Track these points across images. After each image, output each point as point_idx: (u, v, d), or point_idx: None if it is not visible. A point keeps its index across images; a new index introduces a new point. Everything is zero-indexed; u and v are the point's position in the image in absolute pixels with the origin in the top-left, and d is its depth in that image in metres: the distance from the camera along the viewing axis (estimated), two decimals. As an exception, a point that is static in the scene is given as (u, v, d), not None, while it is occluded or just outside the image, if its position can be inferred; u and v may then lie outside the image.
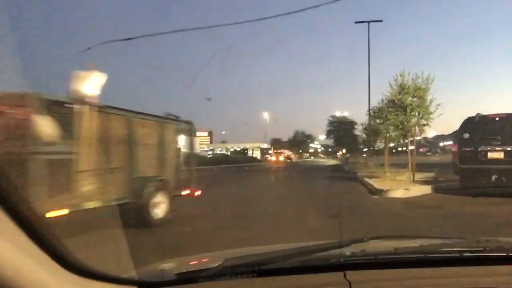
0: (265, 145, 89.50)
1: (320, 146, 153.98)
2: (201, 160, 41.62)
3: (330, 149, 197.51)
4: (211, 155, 51.06)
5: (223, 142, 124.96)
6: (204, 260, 1.66)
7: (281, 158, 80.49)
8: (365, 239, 1.56)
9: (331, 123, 57.10)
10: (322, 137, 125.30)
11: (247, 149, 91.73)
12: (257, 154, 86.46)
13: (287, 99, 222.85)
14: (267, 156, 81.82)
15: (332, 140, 57.96)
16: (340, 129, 54.42)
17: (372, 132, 24.99)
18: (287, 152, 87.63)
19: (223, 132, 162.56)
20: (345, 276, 1.19)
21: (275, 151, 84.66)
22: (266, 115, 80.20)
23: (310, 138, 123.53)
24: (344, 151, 58.40)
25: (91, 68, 5.57)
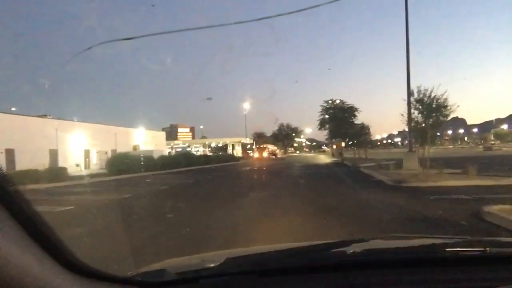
0: (247, 140, 75.90)
1: (305, 140, 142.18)
2: (149, 163, 28.57)
3: (314, 143, 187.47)
4: (174, 154, 37.59)
5: (203, 137, 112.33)
6: (205, 259, 1.51)
7: (265, 154, 68.04)
8: (366, 239, 1.44)
9: (325, 109, 44.27)
10: (308, 130, 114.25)
11: (226, 145, 78.20)
12: (239, 150, 73.17)
13: (275, 92, 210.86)
14: (249, 152, 68.36)
15: (326, 132, 44.92)
16: (338, 117, 41.75)
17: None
18: (271, 147, 74.78)
19: (201, 127, 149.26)
20: (346, 276, 1.14)
21: (258, 146, 71.58)
22: (246, 106, 66.31)
23: (296, 131, 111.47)
24: (343, 144, 45.27)
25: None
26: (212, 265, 1.19)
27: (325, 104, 43.68)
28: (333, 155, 64.81)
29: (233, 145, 77.61)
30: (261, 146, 70.14)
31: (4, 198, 0.69)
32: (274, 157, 69.05)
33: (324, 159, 50.86)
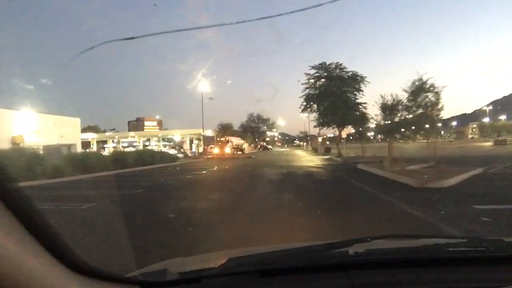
0: (210, 133, 58.75)
1: (277, 134, 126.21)
2: None
3: (287, 137, 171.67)
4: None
5: (165, 129, 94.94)
6: (207, 259, 1.52)
7: (227, 150, 51.61)
8: (368, 239, 1.41)
9: (314, 78, 28.12)
10: (282, 122, 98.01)
11: (183, 140, 60.92)
12: (200, 145, 56.04)
13: (276, 92, 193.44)
14: (211, 146, 51.53)
15: (315, 114, 28.86)
16: (332, 92, 25.79)
17: None
18: (235, 141, 57.92)
19: (157, 117, 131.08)
20: (348, 276, 1.13)
21: (218, 139, 54.58)
22: (205, 89, 48.84)
23: (268, 123, 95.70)
24: (344, 134, 29.05)
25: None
26: (214, 265, 1.18)
27: (311, 71, 27.53)
28: (316, 150, 49.05)
29: (191, 140, 60.22)
30: (222, 139, 53.23)
31: (5, 198, 0.68)
32: (240, 153, 52.82)
33: (308, 157, 35.00)
